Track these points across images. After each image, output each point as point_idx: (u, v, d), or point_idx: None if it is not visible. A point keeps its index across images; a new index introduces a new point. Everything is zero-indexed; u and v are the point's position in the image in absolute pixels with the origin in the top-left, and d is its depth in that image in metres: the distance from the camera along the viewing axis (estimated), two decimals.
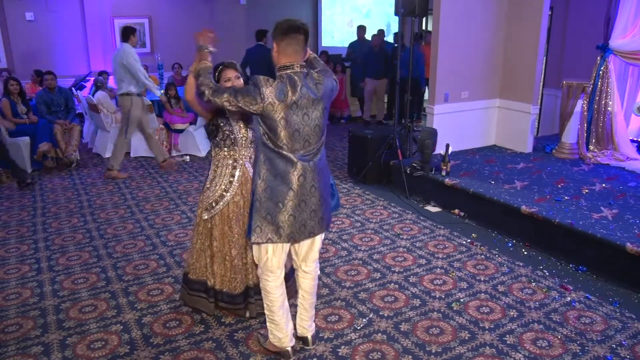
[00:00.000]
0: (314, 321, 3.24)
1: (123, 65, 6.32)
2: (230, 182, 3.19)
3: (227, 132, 3.14)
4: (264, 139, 2.67)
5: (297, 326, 3.14)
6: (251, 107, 2.58)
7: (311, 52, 2.93)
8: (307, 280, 3.04)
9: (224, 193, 3.19)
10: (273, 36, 2.65)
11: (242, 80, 3.16)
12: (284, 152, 2.65)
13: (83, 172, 7.02)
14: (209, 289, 3.38)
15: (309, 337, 3.15)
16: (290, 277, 3.39)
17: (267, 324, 3.00)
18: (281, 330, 2.98)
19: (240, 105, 2.60)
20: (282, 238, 2.73)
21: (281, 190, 2.68)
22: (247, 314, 3.44)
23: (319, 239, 2.96)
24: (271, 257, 2.84)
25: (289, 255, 3.07)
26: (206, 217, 3.25)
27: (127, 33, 6.40)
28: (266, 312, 2.98)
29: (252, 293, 3.38)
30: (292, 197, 2.68)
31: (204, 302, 3.43)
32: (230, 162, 3.20)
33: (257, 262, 2.95)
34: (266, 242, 2.76)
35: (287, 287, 3.11)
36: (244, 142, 3.19)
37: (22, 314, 3.59)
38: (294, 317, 3.14)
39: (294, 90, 2.59)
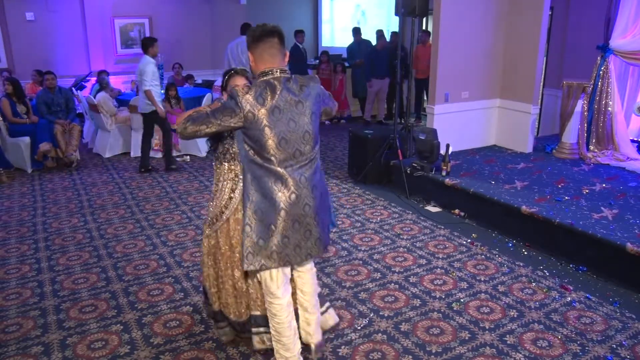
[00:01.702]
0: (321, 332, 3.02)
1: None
2: (230, 199, 2.97)
3: (227, 146, 2.96)
4: (250, 155, 2.50)
5: (301, 331, 2.92)
6: (231, 120, 2.43)
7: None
8: (303, 278, 2.89)
9: (224, 209, 2.98)
10: (247, 45, 2.55)
11: None
12: (273, 167, 2.48)
13: (83, 172, 7.02)
14: (216, 313, 3.15)
15: (313, 345, 2.92)
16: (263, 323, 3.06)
17: (274, 344, 2.81)
18: (288, 350, 2.78)
19: (218, 122, 2.46)
20: (276, 262, 2.56)
21: (271, 211, 2.50)
22: (253, 346, 3.07)
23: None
24: (269, 281, 2.67)
25: None
26: (208, 231, 3.05)
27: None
28: (272, 332, 2.80)
29: (258, 322, 3.01)
30: (285, 218, 2.50)
31: (218, 331, 3.24)
32: (232, 176, 2.98)
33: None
34: (260, 270, 2.61)
35: (257, 334, 2.99)
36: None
37: (23, 314, 3.59)
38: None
39: (273, 94, 2.44)
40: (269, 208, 2.50)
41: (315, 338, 2.92)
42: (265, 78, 2.50)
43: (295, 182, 2.51)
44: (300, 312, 2.93)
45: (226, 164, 2.99)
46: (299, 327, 2.91)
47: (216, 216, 3.01)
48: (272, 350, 2.88)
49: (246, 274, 2.96)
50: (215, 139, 2.96)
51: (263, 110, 2.42)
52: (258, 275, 2.74)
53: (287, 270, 2.74)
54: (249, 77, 3.02)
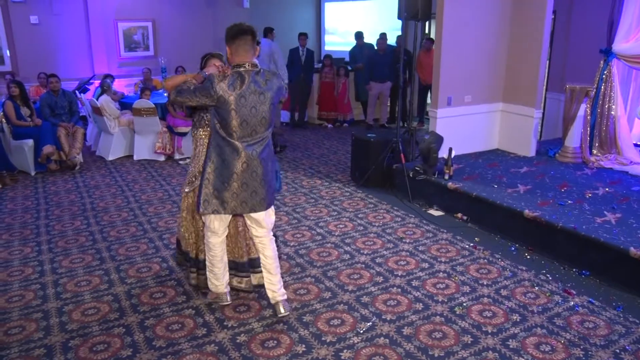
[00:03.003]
0: (286, 291, 3.60)
1: None
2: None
3: (202, 114, 3.56)
4: (216, 127, 3.13)
5: (267, 291, 3.50)
6: (206, 100, 3.05)
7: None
8: (264, 245, 3.43)
9: (201, 168, 3.49)
10: (225, 40, 3.12)
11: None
12: (233, 141, 3.11)
13: (86, 174, 7.03)
14: (192, 259, 3.81)
15: (280, 302, 3.45)
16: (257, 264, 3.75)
17: (208, 273, 3.56)
18: (218, 279, 3.54)
19: (197, 99, 3.08)
20: (226, 211, 3.23)
21: (227, 172, 3.15)
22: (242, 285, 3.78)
23: (263, 215, 3.36)
24: (215, 222, 3.36)
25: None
26: (187, 190, 3.66)
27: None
28: (207, 264, 3.52)
29: (255, 264, 3.71)
30: (236, 179, 3.16)
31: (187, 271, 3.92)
32: (207, 141, 3.53)
33: (204, 222, 3.44)
34: (212, 213, 3.26)
35: (253, 274, 3.75)
36: None
37: (25, 316, 3.60)
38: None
39: (242, 84, 3.04)
40: (225, 170, 3.16)
41: (280, 296, 3.47)
42: (238, 70, 3.09)
43: (247, 155, 3.15)
44: (264, 274, 3.49)
45: (201, 130, 3.60)
46: (266, 289, 3.51)
47: (195, 175, 3.60)
48: (259, 287, 3.72)
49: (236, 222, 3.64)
50: (192, 109, 3.60)
51: (232, 96, 3.03)
52: (207, 219, 3.38)
53: (228, 219, 3.42)
54: (223, 60, 3.57)
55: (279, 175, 3.61)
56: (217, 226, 3.39)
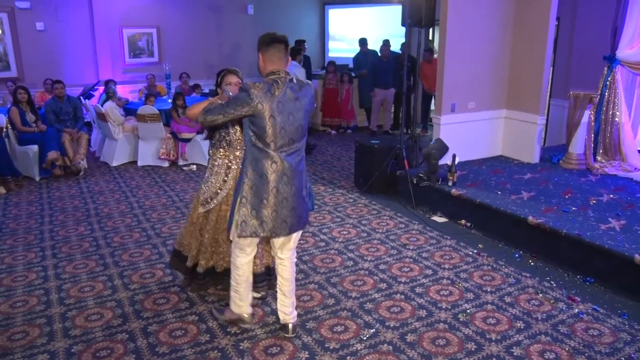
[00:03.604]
0: (296, 310, 3.49)
1: None
2: (225, 181, 3.52)
3: (223, 134, 3.45)
4: (252, 139, 2.97)
5: (279, 312, 3.41)
6: (243, 110, 2.90)
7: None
8: (284, 267, 3.30)
9: (219, 191, 3.51)
10: (258, 48, 3.02)
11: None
12: (270, 152, 2.95)
13: (91, 180, 7.06)
14: (188, 268, 3.78)
15: (290, 324, 3.38)
16: (273, 272, 3.70)
17: (231, 293, 3.37)
18: (243, 300, 3.36)
19: (232, 112, 2.93)
20: (265, 232, 3.02)
21: (265, 188, 2.97)
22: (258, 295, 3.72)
23: (295, 235, 3.24)
24: (245, 241, 3.17)
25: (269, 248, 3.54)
26: (202, 210, 3.57)
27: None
28: (232, 283, 3.33)
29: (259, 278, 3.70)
30: (275, 194, 2.98)
31: (204, 287, 3.85)
32: (226, 161, 3.50)
33: (231, 239, 3.23)
34: (250, 236, 3.05)
35: (268, 280, 3.73)
36: (238, 144, 3.48)
37: (29, 321, 3.60)
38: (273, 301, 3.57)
39: (278, 90, 2.92)
40: (263, 185, 2.97)
41: (291, 319, 3.38)
42: (272, 77, 2.97)
43: (286, 166, 2.99)
44: (278, 295, 3.38)
45: (222, 150, 3.50)
46: (277, 310, 3.42)
47: (211, 196, 3.53)
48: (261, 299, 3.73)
49: None
50: (212, 128, 3.45)
51: (270, 103, 2.89)
52: (235, 235, 3.14)
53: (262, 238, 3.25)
54: (240, 76, 3.51)
55: (312, 194, 3.38)
56: (248, 244, 3.22)
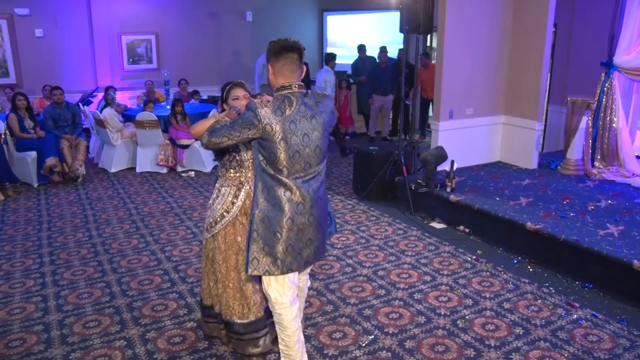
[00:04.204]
0: (304, 332, 3.26)
1: None
2: (233, 203, 3.10)
3: (233, 154, 3.08)
4: (262, 164, 2.58)
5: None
6: (249, 132, 2.51)
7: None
8: (301, 285, 3.01)
9: (225, 213, 3.10)
10: (267, 58, 2.60)
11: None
12: (283, 178, 2.55)
13: (89, 186, 7.05)
14: (218, 314, 3.25)
15: None
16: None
17: (282, 358, 2.87)
18: None
19: (238, 134, 2.54)
20: (279, 269, 2.62)
21: (279, 219, 2.58)
22: (257, 349, 3.22)
23: (310, 266, 2.91)
24: (278, 287, 2.73)
25: None
26: (207, 236, 3.19)
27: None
28: (281, 346, 2.85)
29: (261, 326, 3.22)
30: (290, 226, 2.59)
31: (215, 328, 3.32)
32: (236, 182, 3.12)
33: (266, 296, 2.83)
34: (264, 275, 2.67)
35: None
36: (250, 164, 3.10)
37: (26, 328, 3.59)
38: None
39: (290, 108, 2.51)
40: (276, 216, 2.58)
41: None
42: (283, 92, 2.56)
43: (303, 194, 2.59)
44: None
45: (232, 170, 3.11)
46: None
47: (216, 220, 3.12)
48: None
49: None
50: (222, 149, 3.02)
51: (280, 124, 2.49)
52: (264, 283, 2.77)
53: (293, 277, 2.75)
54: (247, 89, 3.13)
55: (333, 217, 3.03)
56: (280, 292, 2.73)
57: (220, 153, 3.09)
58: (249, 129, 2.50)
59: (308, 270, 3.01)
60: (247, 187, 3.11)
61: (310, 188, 2.62)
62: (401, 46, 9.87)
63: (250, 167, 3.10)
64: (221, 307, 3.21)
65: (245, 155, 3.09)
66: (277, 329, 2.85)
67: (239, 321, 3.17)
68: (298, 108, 2.53)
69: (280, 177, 2.56)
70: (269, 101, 2.54)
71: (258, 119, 2.47)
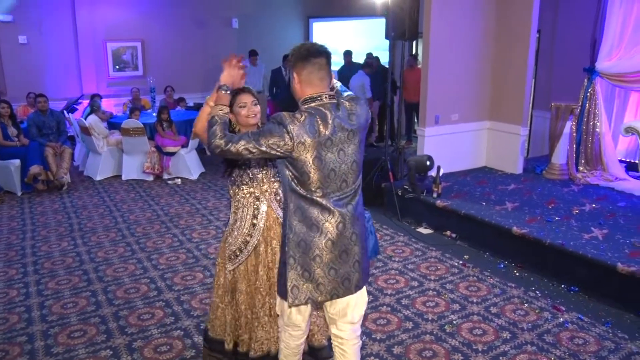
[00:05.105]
0: None
1: None
2: (254, 225, 2.76)
3: (243, 167, 2.75)
4: (292, 184, 2.27)
5: None
6: (279, 149, 2.19)
7: (335, 80, 2.49)
8: (343, 350, 2.49)
9: (247, 238, 2.76)
10: (292, 65, 2.29)
11: (258, 107, 2.77)
12: (317, 199, 2.26)
13: (74, 194, 6.98)
14: (227, 352, 2.93)
15: None
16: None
17: None
18: None
19: (264, 149, 2.20)
20: (324, 295, 2.32)
21: (317, 242, 2.28)
22: None
23: (356, 299, 2.43)
24: (295, 314, 2.47)
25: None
26: (230, 267, 2.81)
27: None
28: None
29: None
30: (331, 249, 2.29)
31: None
32: (252, 200, 2.76)
33: (278, 314, 2.62)
34: (306, 303, 2.38)
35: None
36: (264, 177, 2.77)
37: (9, 340, 3.53)
38: None
39: (325, 125, 2.21)
40: (315, 239, 2.29)
41: None
42: (313, 104, 2.26)
43: (341, 213, 2.30)
44: None
45: (244, 187, 2.76)
46: None
47: (239, 248, 2.78)
48: None
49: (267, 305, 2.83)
50: (231, 163, 2.77)
51: (314, 142, 2.20)
52: (280, 305, 2.52)
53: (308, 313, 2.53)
54: (254, 95, 2.82)
55: (375, 236, 2.78)
56: (301, 318, 2.49)
57: (230, 166, 2.79)
58: (279, 146, 2.19)
59: (351, 313, 2.46)
60: (265, 203, 2.78)
61: (348, 206, 2.33)
62: (387, 52, 9.93)
63: (265, 181, 2.77)
64: (253, 342, 2.86)
65: (256, 168, 2.77)
66: (280, 345, 2.68)
67: (259, 355, 2.88)
68: (333, 123, 2.23)
69: (313, 197, 2.26)
70: (300, 116, 2.22)
71: (290, 136, 2.17)
